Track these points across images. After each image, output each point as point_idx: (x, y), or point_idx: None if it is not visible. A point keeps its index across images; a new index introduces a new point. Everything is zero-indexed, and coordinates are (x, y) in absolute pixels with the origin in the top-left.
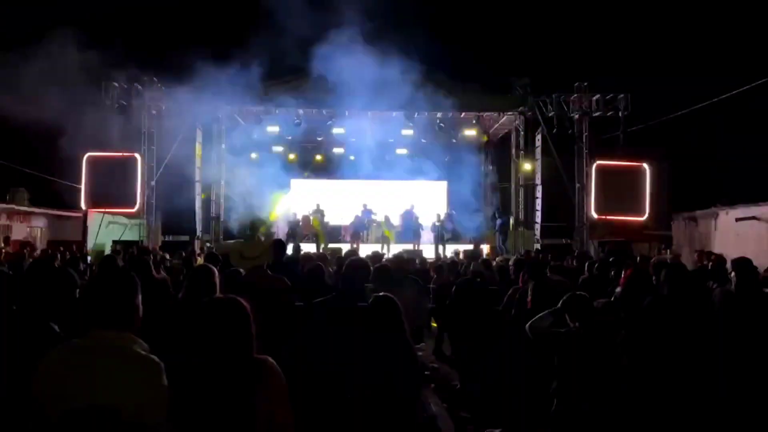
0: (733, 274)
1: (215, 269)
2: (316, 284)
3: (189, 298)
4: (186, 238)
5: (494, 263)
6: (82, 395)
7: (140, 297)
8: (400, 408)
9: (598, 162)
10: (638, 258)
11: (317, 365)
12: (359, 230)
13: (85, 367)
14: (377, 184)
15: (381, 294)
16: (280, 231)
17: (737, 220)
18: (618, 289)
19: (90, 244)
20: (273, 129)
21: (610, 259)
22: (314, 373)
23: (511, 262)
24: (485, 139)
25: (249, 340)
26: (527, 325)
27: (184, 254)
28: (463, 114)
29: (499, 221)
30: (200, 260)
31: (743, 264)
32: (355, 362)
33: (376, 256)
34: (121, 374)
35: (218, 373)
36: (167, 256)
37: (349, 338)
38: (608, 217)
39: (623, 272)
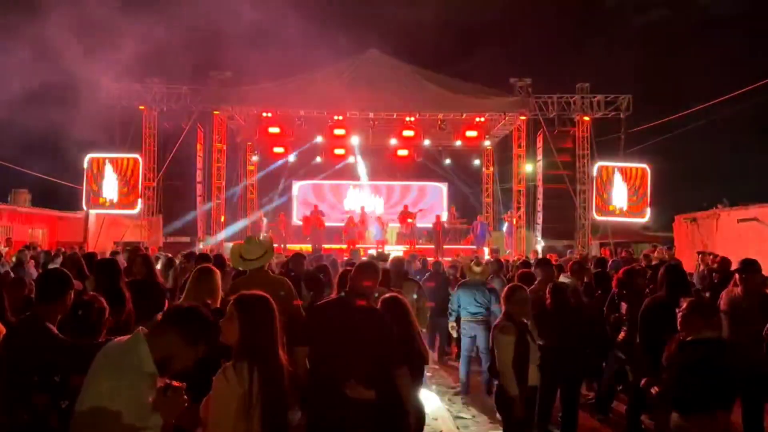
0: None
1: (217, 270)
2: None
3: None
4: (187, 239)
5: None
6: None
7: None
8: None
9: (600, 163)
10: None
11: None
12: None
13: None
14: (377, 185)
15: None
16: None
17: (739, 221)
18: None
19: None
20: (274, 130)
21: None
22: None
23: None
24: (486, 140)
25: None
26: None
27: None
28: (464, 115)
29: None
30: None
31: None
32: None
33: (381, 257)
34: None
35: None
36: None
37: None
38: (609, 219)
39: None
